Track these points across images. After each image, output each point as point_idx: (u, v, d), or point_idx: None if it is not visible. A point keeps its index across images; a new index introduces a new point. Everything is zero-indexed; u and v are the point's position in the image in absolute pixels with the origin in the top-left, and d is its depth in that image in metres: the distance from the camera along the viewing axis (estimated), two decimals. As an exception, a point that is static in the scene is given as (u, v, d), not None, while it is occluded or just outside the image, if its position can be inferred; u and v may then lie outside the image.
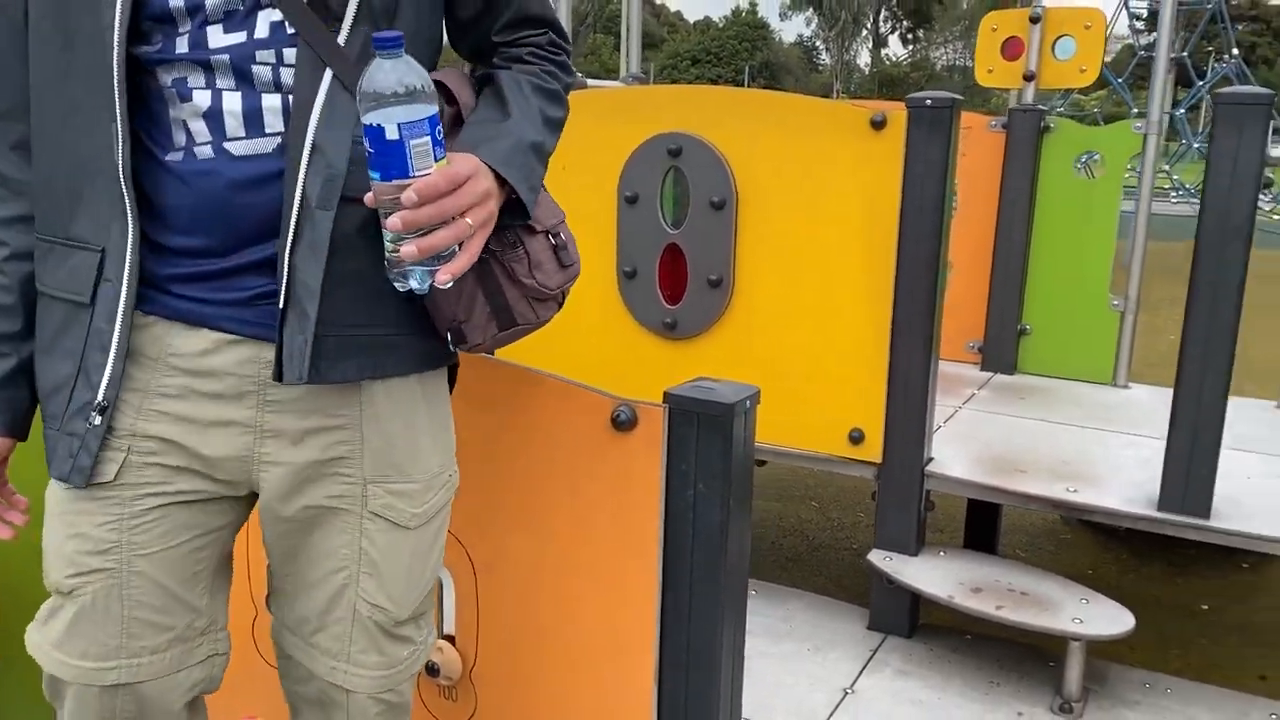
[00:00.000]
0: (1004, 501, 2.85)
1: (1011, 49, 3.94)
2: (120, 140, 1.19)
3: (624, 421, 1.66)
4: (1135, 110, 10.87)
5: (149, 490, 1.26)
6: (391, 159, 1.08)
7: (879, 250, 2.73)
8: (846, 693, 2.61)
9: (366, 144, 1.09)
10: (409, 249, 1.11)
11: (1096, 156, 3.87)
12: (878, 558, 2.86)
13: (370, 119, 1.08)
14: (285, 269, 1.19)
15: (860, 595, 3.35)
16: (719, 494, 1.62)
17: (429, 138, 1.09)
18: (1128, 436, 3.27)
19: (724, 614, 1.66)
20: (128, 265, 1.21)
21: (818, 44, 70.85)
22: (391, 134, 1.07)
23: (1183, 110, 16.11)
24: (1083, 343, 3.84)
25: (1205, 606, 3.62)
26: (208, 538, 1.32)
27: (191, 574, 1.31)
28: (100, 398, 1.22)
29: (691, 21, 76.56)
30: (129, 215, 1.20)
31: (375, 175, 1.10)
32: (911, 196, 2.65)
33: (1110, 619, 2.56)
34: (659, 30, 66.51)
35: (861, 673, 2.71)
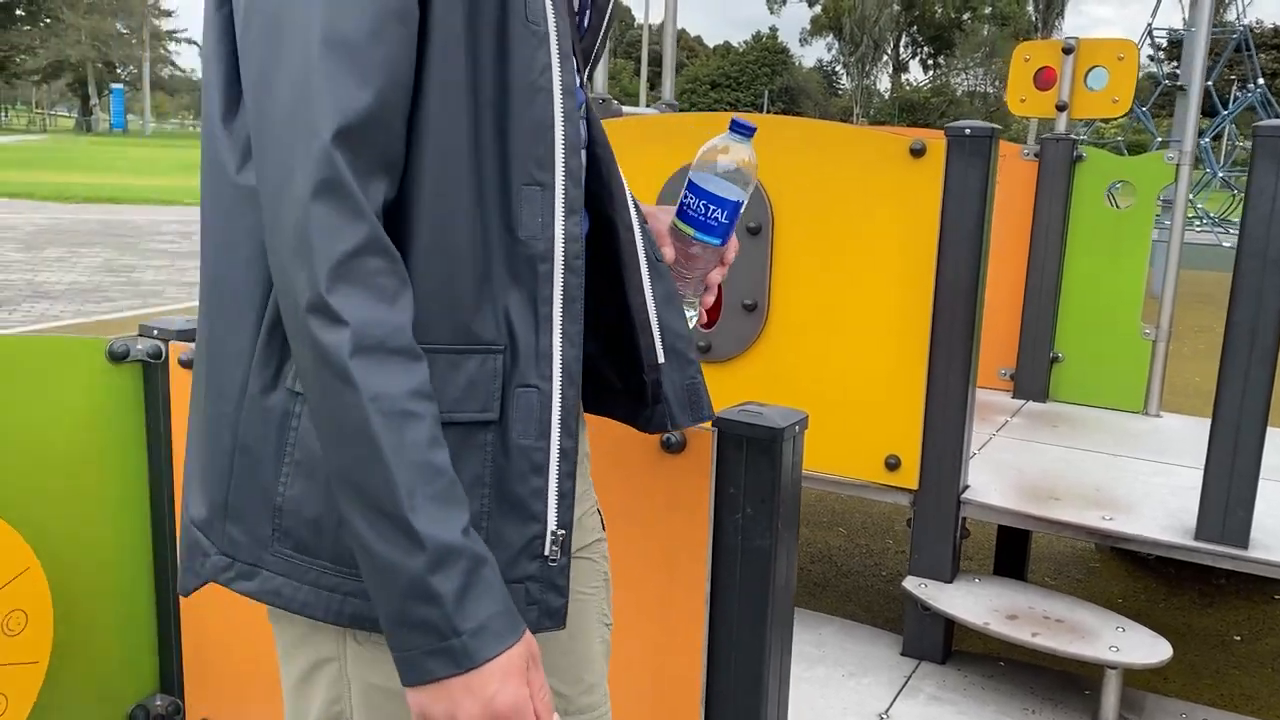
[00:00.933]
0: (1040, 529, 2.85)
1: (1044, 79, 3.97)
2: (562, 205, 0.99)
3: (674, 445, 1.68)
4: (1159, 139, 10.87)
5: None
6: (731, 226, 1.22)
7: (916, 276, 2.75)
8: (882, 717, 2.61)
9: (721, 215, 1.20)
10: (711, 296, 1.28)
11: (1118, 185, 3.89)
12: (912, 584, 2.86)
13: (735, 195, 1.20)
14: (656, 323, 1.18)
15: (891, 621, 3.35)
16: (767, 518, 1.64)
17: None
18: (1161, 465, 3.27)
19: (771, 637, 1.67)
20: (559, 359, 1.01)
21: (838, 69, 71.09)
22: (742, 207, 1.21)
23: (1206, 139, 16.08)
24: (1114, 371, 3.85)
25: (1238, 637, 3.60)
26: None
27: None
28: (555, 525, 1.01)
29: (711, 46, 76.96)
30: (557, 299, 1.00)
31: (716, 241, 1.22)
32: (951, 224, 2.68)
33: (1147, 648, 2.56)
34: (679, 55, 66.89)
35: (896, 698, 2.71)
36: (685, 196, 1.20)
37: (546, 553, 1.00)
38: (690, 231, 1.20)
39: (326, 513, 0.96)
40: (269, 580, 0.99)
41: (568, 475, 1.01)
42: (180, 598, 2.17)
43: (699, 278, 1.24)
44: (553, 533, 1.00)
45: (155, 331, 2.10)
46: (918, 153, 2.71)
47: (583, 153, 1.08)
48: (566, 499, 1.01)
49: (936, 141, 2.69)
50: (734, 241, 1.24)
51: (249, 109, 0.93)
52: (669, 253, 1.22)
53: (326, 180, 0.86)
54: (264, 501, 0.99)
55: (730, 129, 1.19)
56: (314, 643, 1.03)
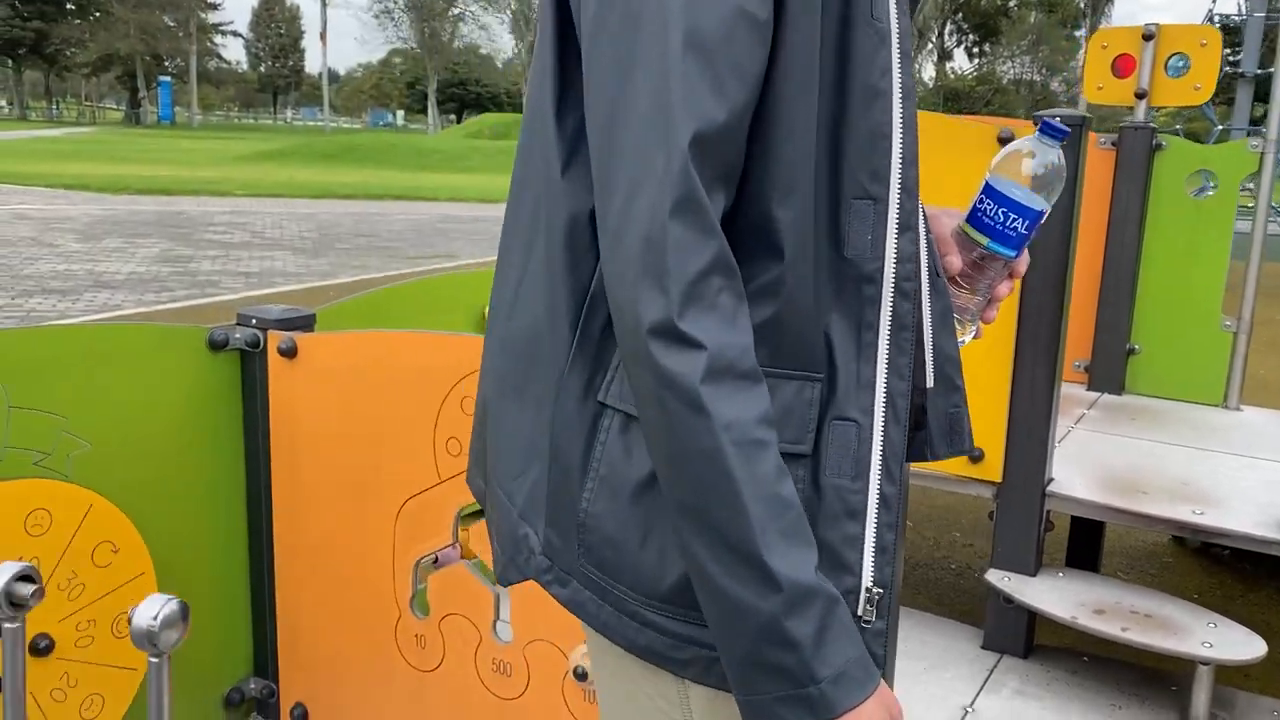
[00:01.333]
0: (1129, 524, 2.81)
1: (1122, 66, 3.90)
2: (895, 221, 0.91)
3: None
4: (1219, 127, 10.68)
5: None
6: (1029, 237, 1.09)
7: (1002, 267, 2.72)
8: (966, 711, 2.59)
9: (1020, 225, 1.07)
10: (994, 311, 1.15)
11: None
12: (996, 577, 2.83)
13: (1038, 204, 1.07)
14: (930, 343, 1.04)
15: (964, 614, 3.32)
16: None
17: None
18: (1246, 459, 3.21)
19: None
20: (881, 392, 0.91)
21: (881, 58, 70.26)
22: (1044, 218, 1.08)
23: (1265, 127, 15.79)
24: (1193, 364, 3.78)
25: (1320, 635, 3.53)
26: None
27: None
28: (870, 580, 0.89)
29: (754, 35, 76.39)
30: (884, 326, 0.91)
31: (1012, 253, 1.09)
32: (1039, 214, 2.64)
33: (1241, 644, 2.52)
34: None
35: (979, 693, 2.68)
36: (981, 201, 1.08)
37: (859, 612, 0.88)
38: (983, 240, 1.08)
39: (627, 535, 0.91)
40: (579, 592, 0.95)
41: (889, 526, 0.89)
42: (274, 584, 2.20)
43: (985, 290, 1.10)
44: (867, 589, 0.89)
45: (254, 320, 2.12)
46: (1005, 141, 2.67)
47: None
48: (887, 553, 0.89)
49: (1025, 129, 2.65)
50: (1026, 254, 1.10)
51: (594, 107, 0.87)
52: (954, 261, 1.08)
53: (685, 196, 0.81)
54: (572, 513, 0.94)
55: (1040, 132, 1.08)
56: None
